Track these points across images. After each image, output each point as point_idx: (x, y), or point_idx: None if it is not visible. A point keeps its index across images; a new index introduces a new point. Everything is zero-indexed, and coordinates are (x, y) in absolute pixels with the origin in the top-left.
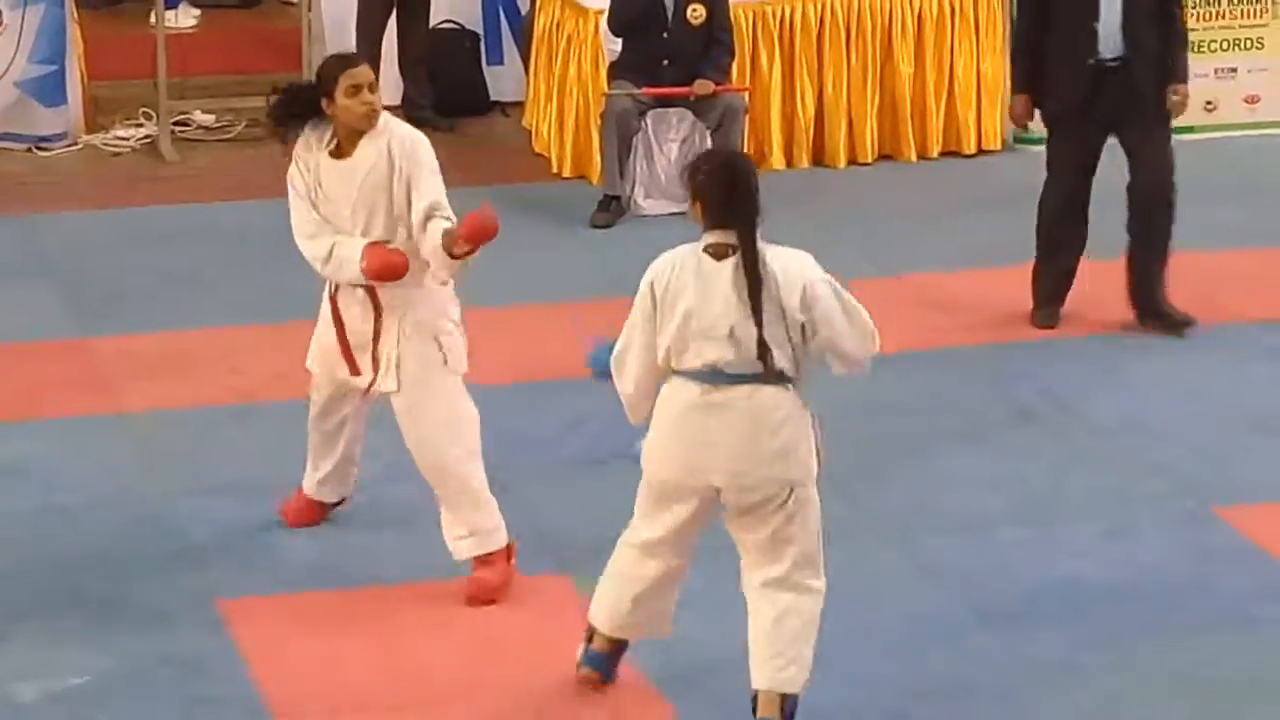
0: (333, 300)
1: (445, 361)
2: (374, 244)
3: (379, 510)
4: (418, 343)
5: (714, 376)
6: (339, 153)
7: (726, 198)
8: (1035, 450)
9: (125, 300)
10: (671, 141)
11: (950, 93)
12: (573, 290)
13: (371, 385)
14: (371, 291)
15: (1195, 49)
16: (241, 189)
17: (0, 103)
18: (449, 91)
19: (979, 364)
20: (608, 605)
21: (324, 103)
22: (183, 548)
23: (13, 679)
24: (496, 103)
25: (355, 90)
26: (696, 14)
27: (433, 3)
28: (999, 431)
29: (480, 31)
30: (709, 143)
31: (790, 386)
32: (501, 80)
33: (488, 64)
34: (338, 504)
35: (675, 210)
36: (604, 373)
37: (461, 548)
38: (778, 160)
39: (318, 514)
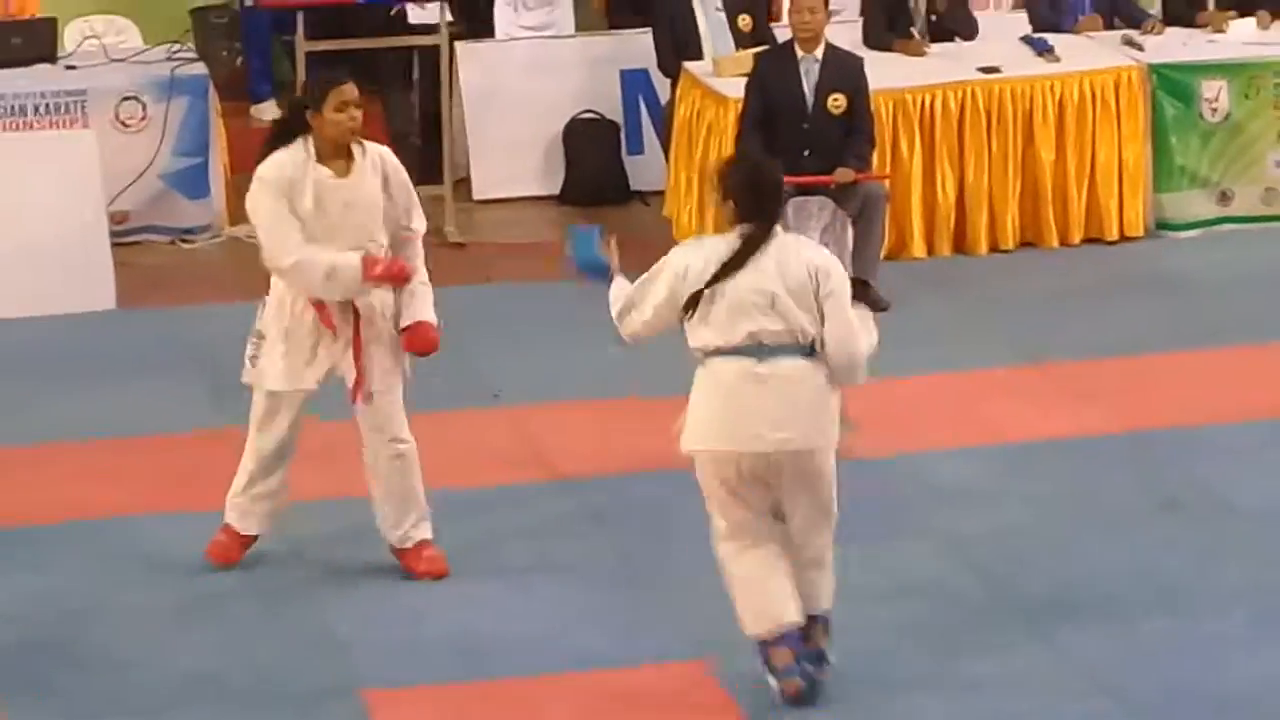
0: (320, 307)
1: (402, 364)
2: (368, 255)
3: (521, 598)
4: (386, 345)
5: (759, 350)
6: (334, 170)
7: (758, 196)
8: (1180, 540)
9: None
10: (813, 230)
11: (1092, 179)
12: None
13: (359, 387)
14: (351, 303)
15: None
16: None
17: (144, 195)
18: (589, 180)
19: (1124, 453)
20: (747, 607)
21: (311, 116)
22: (326, 638)
23: None
24: (637, 192)
25: (344, 106)
26: (837, 103)
27: (574, 92)
28: (1144, 521)
29: (620, 121)
30: (850, 231)
31: (822, 365)
32: (642, 169)
33: (628, 153)
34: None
35: None
36: (584, 265)
37: (416, 533)
38: (919, 248)
39: (244, 549)
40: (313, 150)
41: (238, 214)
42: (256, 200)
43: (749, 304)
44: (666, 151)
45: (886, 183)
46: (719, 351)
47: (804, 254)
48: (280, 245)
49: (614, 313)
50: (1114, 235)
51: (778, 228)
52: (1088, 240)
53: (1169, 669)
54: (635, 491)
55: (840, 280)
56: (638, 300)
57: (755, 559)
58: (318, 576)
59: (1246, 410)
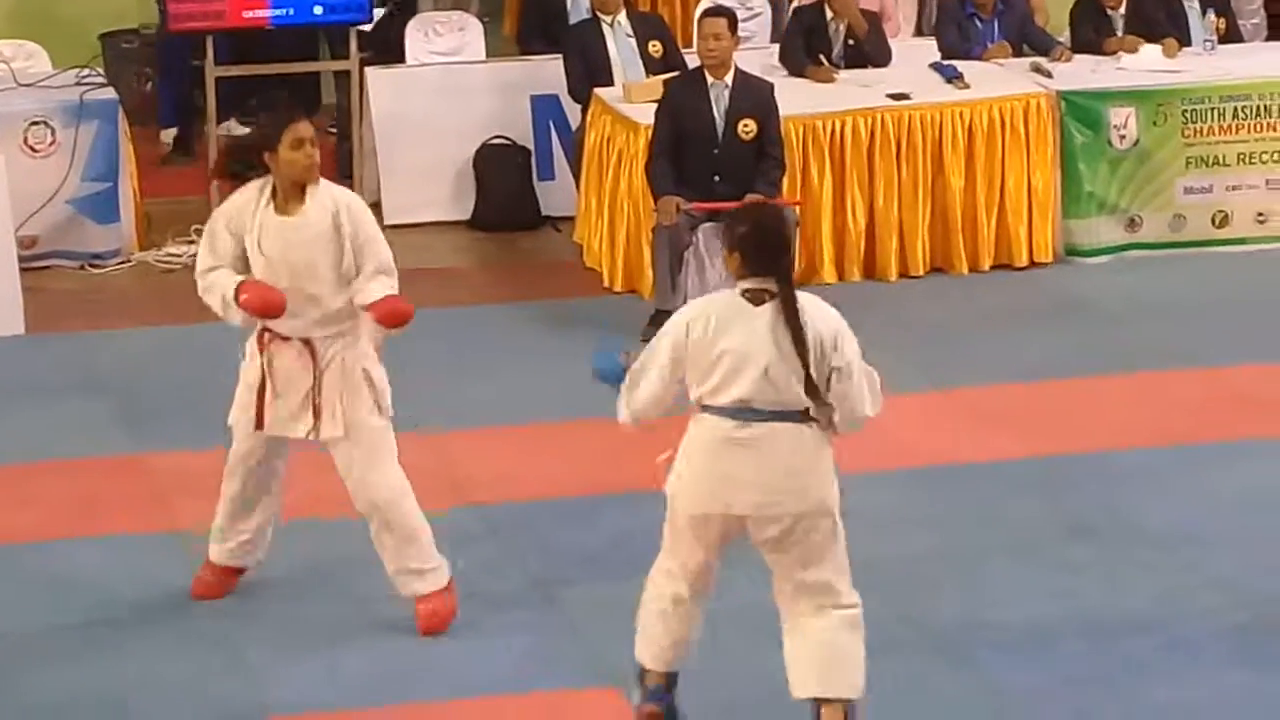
0: (261, 344)
1: (377, 405)
2: (252, 280)
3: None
4: (354, 388)
5: (744, 413)
6: (282, 209)
7: (768, 249)
8: (1091, 564)
9: (178, 417)
10: (722, 256)
11: (1001, 205)
12: None
13: (312, 433)
14: (309, 342)
15: (1247, 160)
16: None
17: (53, 220)
18: (500, 206)
19: (1033, 478)
20: (652, 641)
21: (267, 156)
22: (234, 665)
23: None
24: (548, 218)
25: (299, 144)
26: (747, 129)
27: (484, 118)
28: (1053, 545)
29: (531, 147)
30: None
31: (814, 424)
32: (552, 195)
33: (538, 179)
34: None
35: None
36: (607, 378)
37: (417, 587)
38: (829, 273)
39: (231, 582)
40: (268, 191)
41: (147, 239)
42: (213, 220)
43: (739, 370)
44: (577, 177)
45: (797, 208)
46: (708, 409)
47: (815, 325)
48: (198, 266)
49: (621, 400)
50: (1023, 261)
51: (787, 287)
52: (997, 266)
53: (1081, 694)
54: (550, 517)
55: (851, 351)
56: (642, 371)
57: (680, 603)
58: (226, 602)
59: (1154, 435)
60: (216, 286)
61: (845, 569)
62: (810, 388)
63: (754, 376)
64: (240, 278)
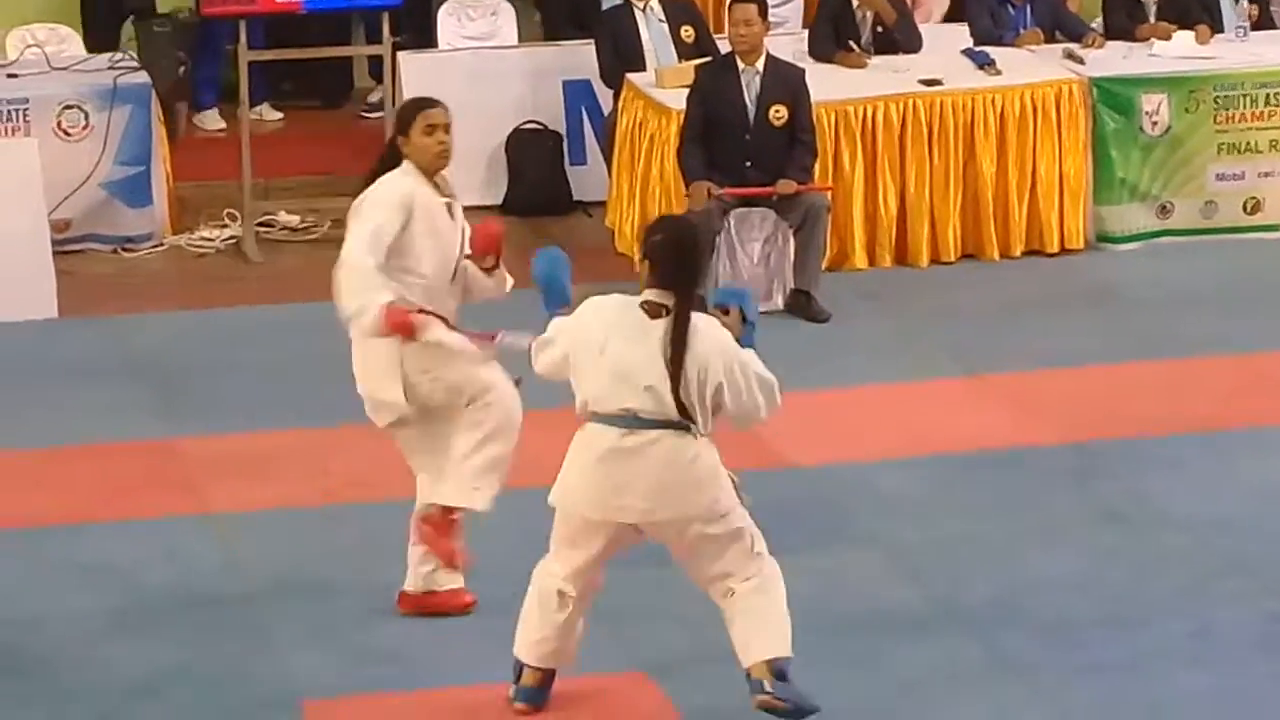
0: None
1: None
2: (392, 306)
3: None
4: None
5: (630, 421)
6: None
7: (675, 263)
8: (1120, 550)
9: (210, 400)
10: (754, 241)
11: (1033, 192)
12: None
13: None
14: (446, 321)
15: (1239, 149)
16: (326, 289)
17: (86, 204)
18: (532, 191)
19: (1063, 464)
20: (532, 638)
21: (400, 140)
22: (267, 649)
23: None
24: (579, 203)
25: (431, 130)
26: (779, 114)
27: (517, 103)
28: (1083, 531)
29: (563, 132)
30: (792, 242)
31: (700, 434)
32: (584, 180)
33: (570, 164)
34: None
35: (759, 309)
36: (549, 286)
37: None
38: (860, 259)
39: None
40: (412, 171)
41: (179, 223)
42: (369, 212)
43: (626, 380)
44: (609, 162)
45: (828, 194)
46: (595, 416)
47: (698, 348)
48: (362, 259)
49: (534, 344)
50: (1054, 248)
51: (684, 305)
52: (1028, 252)
53: (1108, 679)
54: None
55: (735, 365)
56: (548, 342)
57: (565, 602)
58: (257, 587)
59: (1185, 422)
60: (366, 303)
61: (747, 553)
62: (679, 406)
63: (639, 390)
64: (388, 296)
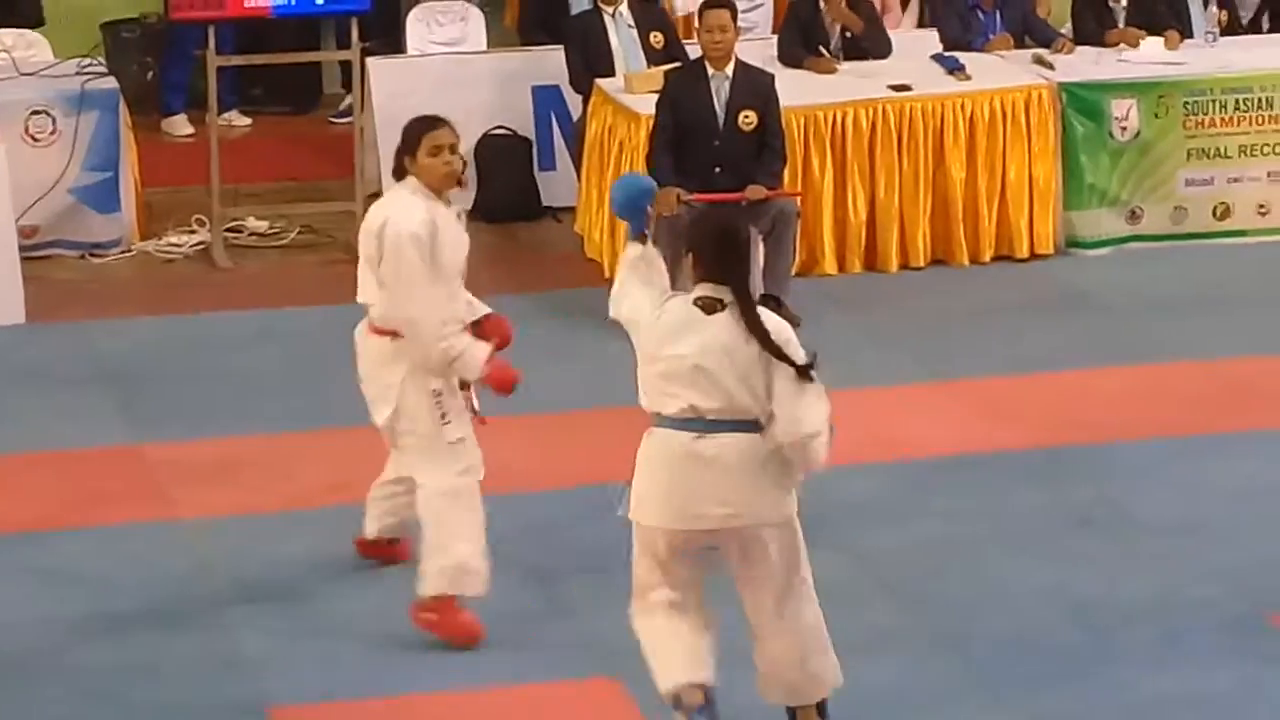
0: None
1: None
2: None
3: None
4: None
5: (698, 424)
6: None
7: (724, 256)
8: (1090, 555)
9: (178, 406)
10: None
11: (1002, 197)
12: (625, 396)
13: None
14: None
15: (1249, 153)
16: (294, 295)
17: (54, 209)
18: (501, 197)
19: (1034, 469)
20: (669, 657)
21: (407, 160)
22: (233, 655)
23: None
24: (549, 208)
25: (437, 150)
26: (748, 120)
27: (486, 109)
28: (1052, 536)
29: (532, 137)
30: (761, 248)
31: (763, 434)
32: (554, 186)
33: (540, 170)
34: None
35: None
36: (622, 210)
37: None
38: (830, 264)
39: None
40: (420, 189)
41: (147, 229)
42: (403, 261)
43: (686, 376)
44: (578, 168)
45: (798, 200)
46: (660, 420)
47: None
48: (414, 281)
49: (613, 299)
50: (1024, 253)
51: (744, 295)
52: (998, 258)
53: (1078, 685)
54: (550, 508)
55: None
56: (624, 294)
57: (682, 625)
58: (225, 593)
59: (1154, 427)
60: (468, 346)
61: (808, 574)
62: (799, 370)
63: (703, 386)
64: (487, 346)
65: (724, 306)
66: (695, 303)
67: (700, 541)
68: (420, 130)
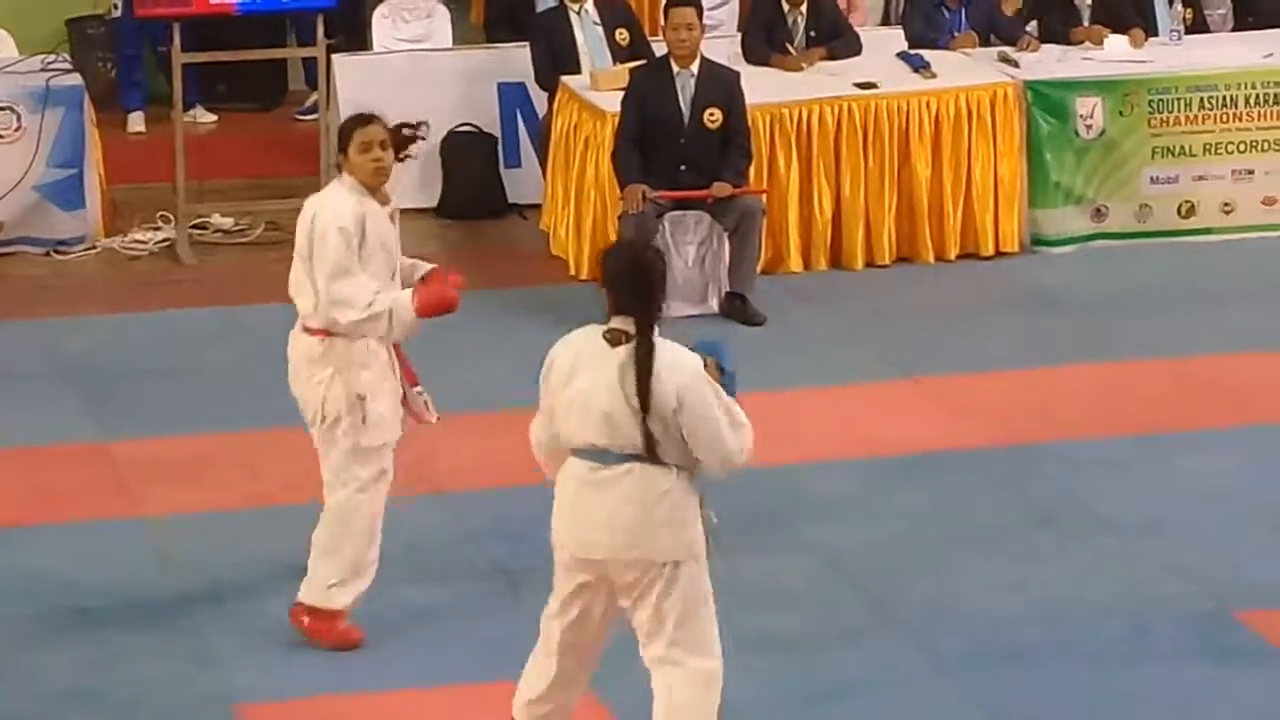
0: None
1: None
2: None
3: (395, 614)
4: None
5: (599, 455)
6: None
7: (631, 288)
8: (1055, 553)
9: (143, 403)
10: (689, 244)
11: (968, 195)
12: None
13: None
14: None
15: (1214, 151)
16: (259, 292)
17: (19, 206)
18: (466, 193)
19: (998, 467)
20: (523, 687)
21: (340, 157)
22: (200, 652)
23: None
24: (514, 205)
25: (366, 147)
26: (713, 117)
27: (451, 106)
28: (1018, 534)
29: (498, 134)
30: (727, 245)
31: (674, 469)
32: (519, 183)
33: (505, 167)
34: None
35: (693, 312)
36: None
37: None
38: (795, 262)
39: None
40: (355, 186)
41: (113, 225)
42: (329, 248)
43: (588, 412)
44: (544, 165)
45: (763, 197)
46: (571, 449)
47: (663, 374)
48: (335, 265)
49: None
50: (989, 251)
51: (645, 330)
52: (963, 256)
53: (1043, 682)
54: (517, 505)
55: (701, 402)
56: (534, 424)
57: (564, 655)
58: (192, 590)
59: (1119, 425)
60: (382, 302)
61: (703, 628)
62: (645, 436)
63: (599, 421)
64: (406, 291)
65: (629, 339)
66: (604, 335)
67: (593, 571)
68: (351, 127)
